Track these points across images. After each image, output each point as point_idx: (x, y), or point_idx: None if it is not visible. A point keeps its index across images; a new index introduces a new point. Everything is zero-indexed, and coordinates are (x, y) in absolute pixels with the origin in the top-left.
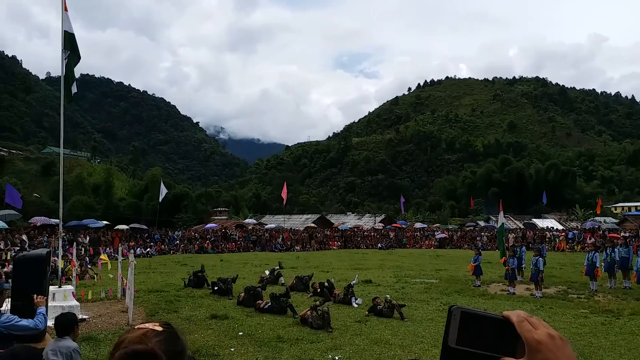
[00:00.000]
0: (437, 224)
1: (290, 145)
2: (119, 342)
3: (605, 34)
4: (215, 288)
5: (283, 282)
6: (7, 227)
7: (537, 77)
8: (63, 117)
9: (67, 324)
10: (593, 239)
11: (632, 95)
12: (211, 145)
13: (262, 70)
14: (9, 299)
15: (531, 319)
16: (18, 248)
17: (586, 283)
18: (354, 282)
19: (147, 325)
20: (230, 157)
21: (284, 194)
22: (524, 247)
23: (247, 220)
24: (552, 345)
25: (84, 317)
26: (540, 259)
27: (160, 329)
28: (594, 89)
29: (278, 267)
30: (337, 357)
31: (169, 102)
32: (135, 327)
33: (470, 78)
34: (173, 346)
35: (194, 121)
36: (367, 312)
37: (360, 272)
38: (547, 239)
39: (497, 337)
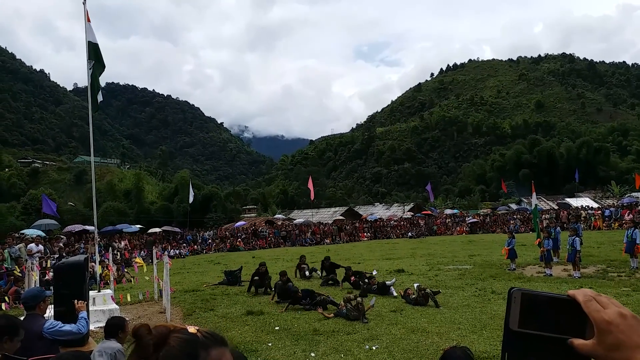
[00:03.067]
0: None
1: (314, 139)
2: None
3: (636, 3)
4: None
5: (318, 274)
6: (45, 236)
7: (563, 53)
8: (92, 126)
9: (112, 327)
10: (631, 215)
11: None
12: (236, 144)
13: (283, 67)
14: (52, 306)
15: (599, 298)
16: (57, 256)
17: (626, 261)
18: (389, 282)
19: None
20: (255, 155)
21: (310, 187)
22: (558, 228)
23: (276, 216)
24: (623, 325)
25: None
26: (577, 238)
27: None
28: (624, 62)
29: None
30: (374, 347)
31: (193, 105)
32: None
33: (494, 59)
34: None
35: (219, 122)
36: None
37: (392, 261)
38: (582, 218)
39: (563, 317)
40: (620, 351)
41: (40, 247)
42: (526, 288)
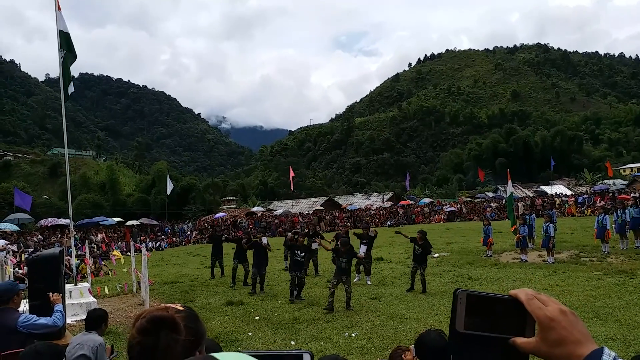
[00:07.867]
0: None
1: (293, 130)
2: (139, 314)
3: None
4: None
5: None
6: (19, 229)
7: (538, 43)
8: (65, 117)
9: (96, 319)
10: (603, 202)
11: (637, 55)
12: (214, 135)
13: (261, 57)
14: (26, 300)
15: (540, 296)
16: (32, 250)
17: (598, 246)
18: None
19: (168, 305)
20: (234, 146)
21: (291, 177)
22: (533, 215)
23: (255, 208)
24: (565, 321)
25: None
26: (551, 225)
27: (181, 308)
28: (597, 52)
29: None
30: (354, 334)
31: (170, 95)
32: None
33: (470, 49)
34: (193, 324)
35: (196, 112)
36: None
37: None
38: (556, 205)
39: (505, 317)
40: (563, 346)
41: (2, 241)
42: (471, 289)
